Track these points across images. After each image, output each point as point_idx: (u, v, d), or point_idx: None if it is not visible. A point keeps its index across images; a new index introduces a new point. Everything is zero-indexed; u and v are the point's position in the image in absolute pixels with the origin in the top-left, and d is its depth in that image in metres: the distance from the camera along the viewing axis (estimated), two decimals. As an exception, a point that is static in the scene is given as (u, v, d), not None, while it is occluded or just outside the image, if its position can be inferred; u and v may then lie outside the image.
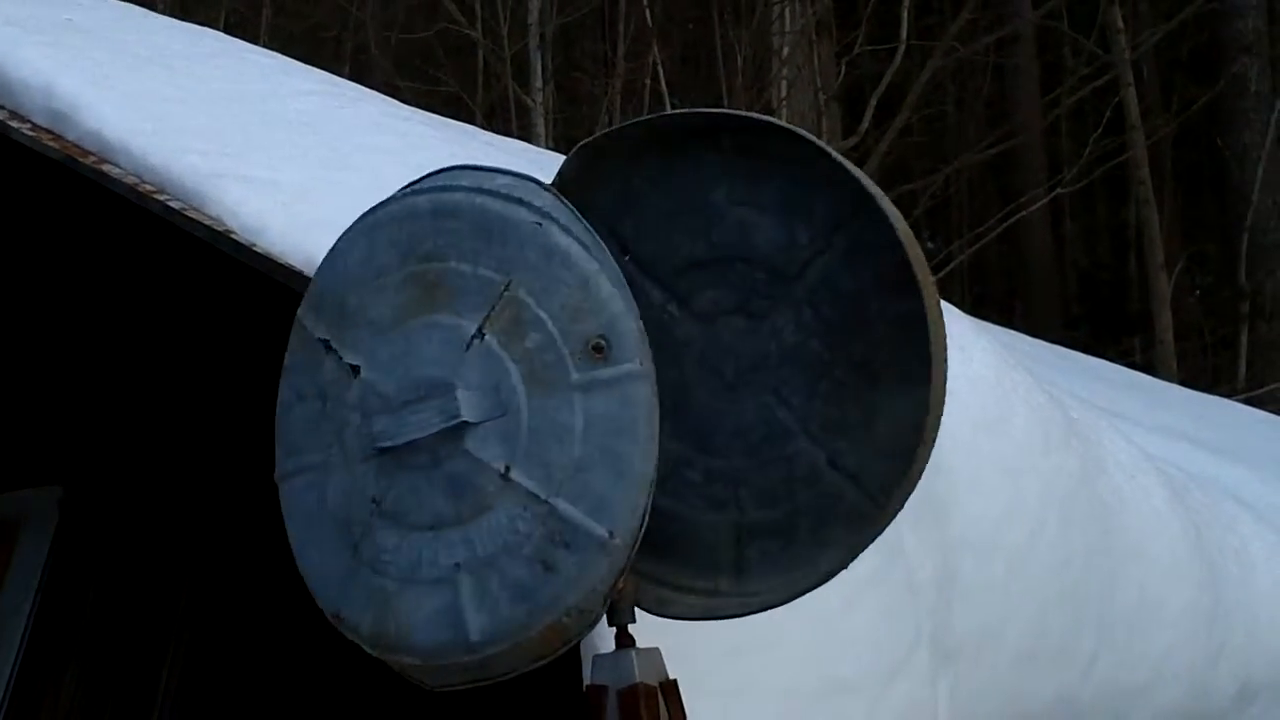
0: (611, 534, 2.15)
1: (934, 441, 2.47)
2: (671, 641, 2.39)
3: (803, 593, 2.48)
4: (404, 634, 2.13)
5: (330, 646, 3.51)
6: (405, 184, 2.28)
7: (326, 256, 2.25)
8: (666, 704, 2.31)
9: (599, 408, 2.20)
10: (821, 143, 2.53)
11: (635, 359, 2.21)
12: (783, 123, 2.54)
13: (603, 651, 2.36)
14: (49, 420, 4.29)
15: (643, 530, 2.19)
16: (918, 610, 3.17)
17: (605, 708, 2.27)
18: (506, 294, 2.20)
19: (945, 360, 2.46)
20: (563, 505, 2.15)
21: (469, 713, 3.04)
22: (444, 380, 2.15)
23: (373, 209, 2.25)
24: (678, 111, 2.44)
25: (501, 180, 2.26)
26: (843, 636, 2.96)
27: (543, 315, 2.21)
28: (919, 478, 2.47)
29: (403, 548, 2.13)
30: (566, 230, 2.23)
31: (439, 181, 2.27)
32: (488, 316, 2.18)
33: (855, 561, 2.46)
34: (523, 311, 2.20)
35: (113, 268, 4.04)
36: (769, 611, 2.66)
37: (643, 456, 2.20)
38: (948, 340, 2.47)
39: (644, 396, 2.21)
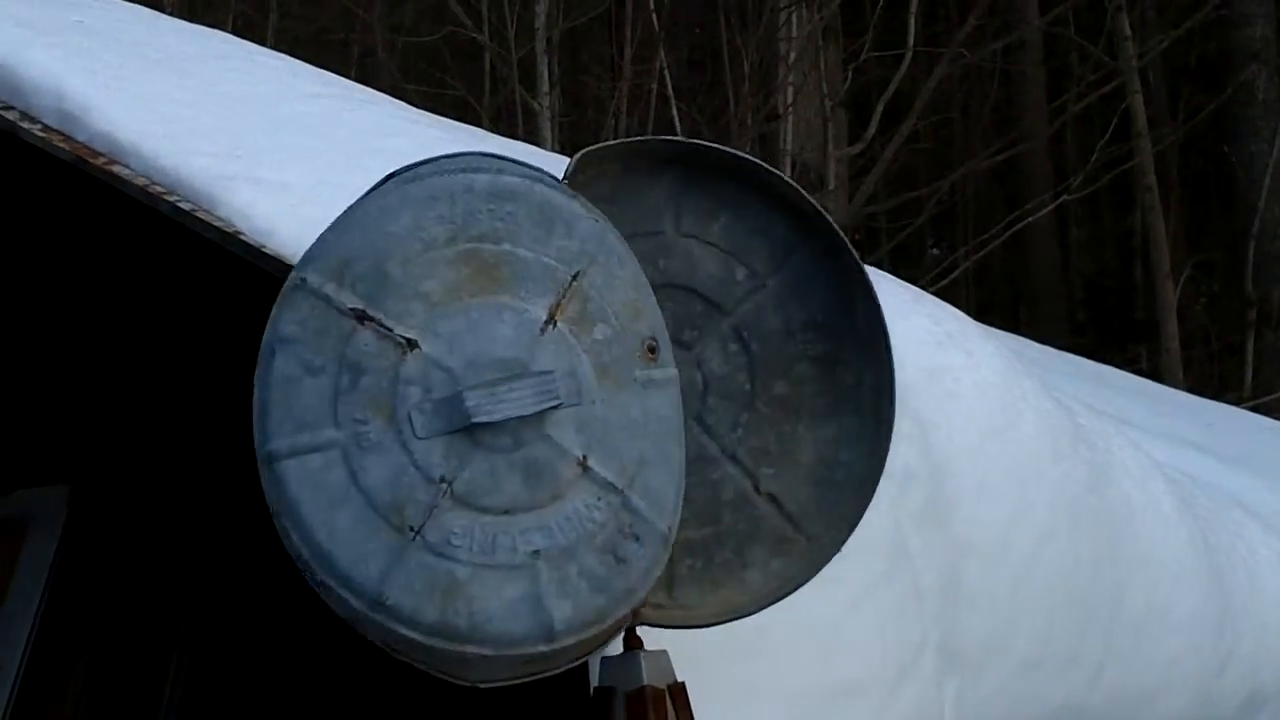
0: (669, 529, 2.18)
1: (874, 482, 2.54)
2: (679, 644, 2.40)
3: (749, 612, 2.49)
4: (477, 622, 2.02)
5: (338, 648, 3.51)
6: (418, 161, 2.22)
7: (344, 222, 2.15)
8: (674, 707, 2.31)
9: (654, 407, 2.23)
10: (791, 181, 2.60)
11: (673, 364, 2.24)
12: (745, 155, 2.60)
13: (610, 654, 2.36)
14: (57, 419, 4.30)
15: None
16: (924, 615, 3.17)
17: (613, 710, 2.27)
18: (574, 284, 2.19)
19: (894, 404, 2.56)
20: (635, 498, 2.15)
21: (476, 717, 3.04)
22: (520, 361, 2.11)
23: (407, 180, 2.18)
24: (649, 138, 2.47)
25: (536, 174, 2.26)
26: (849, 640, 2.96)
27: (608, 310, 2.22)
28: (857, 513, 2.52)
29: (475, 531, 2.04)
30: (614, 231, 2.25)
31: (470, 164, 2.22)
32: (557, 304, 2.17)
33: (796, 588, 2.49)
34: (589, 304, 2.20)
35: (122, 268, 4.05)
36: (775, 616, 2.67)
37: (683, 458, 2.24)
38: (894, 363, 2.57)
39: (680, 400, 2.25)
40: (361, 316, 2.08)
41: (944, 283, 11.47)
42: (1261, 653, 4.66)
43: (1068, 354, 9.64)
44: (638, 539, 2.15)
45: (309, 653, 3.56)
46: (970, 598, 3.33)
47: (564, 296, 2.17)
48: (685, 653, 2.39)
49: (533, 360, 2.11)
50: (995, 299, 17.04)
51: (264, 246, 2.74)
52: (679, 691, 2.34)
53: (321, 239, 2.15)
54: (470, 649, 2.03)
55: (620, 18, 12.52)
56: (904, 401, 3.26)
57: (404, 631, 2.01)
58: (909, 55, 12.25)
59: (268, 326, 2.09)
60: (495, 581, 2.03)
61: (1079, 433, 4.04)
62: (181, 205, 2.85)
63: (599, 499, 2.13)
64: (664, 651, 2.37)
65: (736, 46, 11.78)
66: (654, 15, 11.90)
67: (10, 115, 3.13)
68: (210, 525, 3.85)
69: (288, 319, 2.08)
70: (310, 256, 2.13)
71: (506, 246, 2.16)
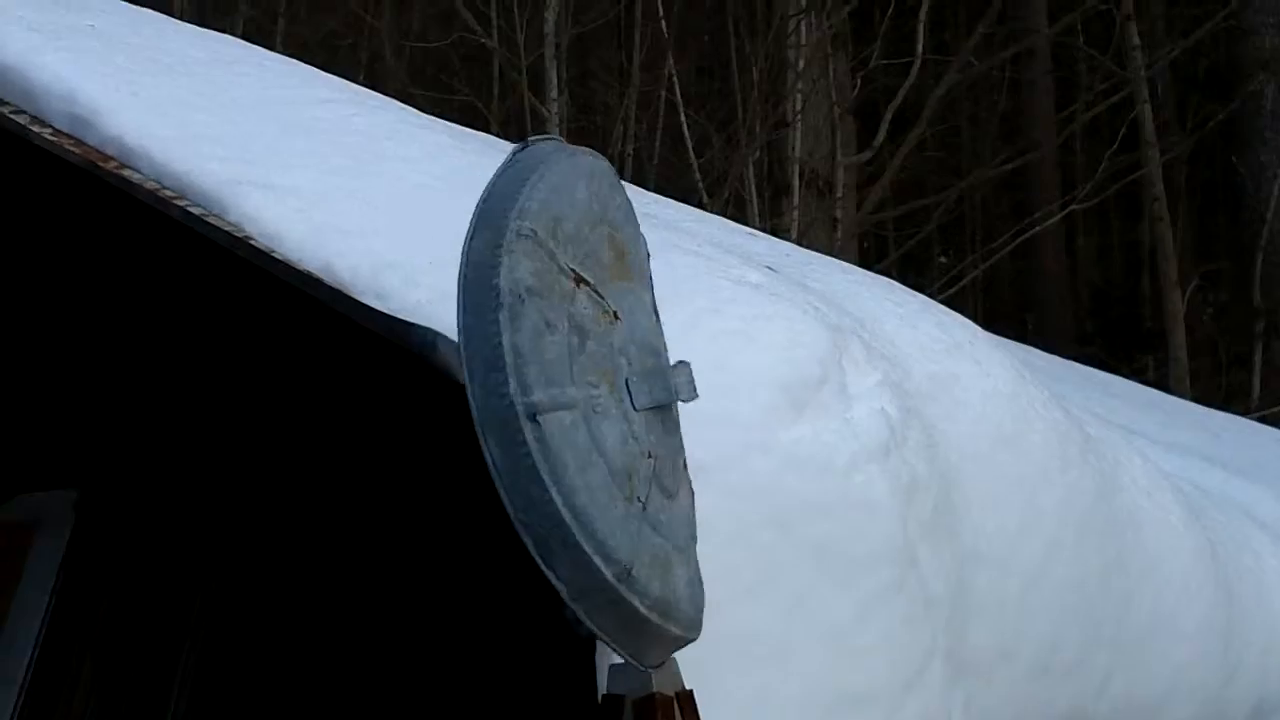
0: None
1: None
2: (687, 652, 2.39)
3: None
4: (678, 600, 1.94)
5: (343, 651, 3.51)
6: (529, 141, 2.08)
7: (535, 177, 1.95)
8: (683, 714, 2.30)
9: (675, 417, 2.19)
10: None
11: None
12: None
13: (618, 661, 2.36)
14: (64, 424, 4.30)
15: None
16: (933, 623, 3.16)
17: (622, 718, 2.26)
18: (652, 283, 2.18)
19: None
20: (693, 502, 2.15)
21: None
22: (661, 350, 2.06)
23: (567, 152, 2.04)
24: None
25: None
26: (857, 649, 2.95)
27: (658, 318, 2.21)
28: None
29: (669, 510, 1.95)
30: None
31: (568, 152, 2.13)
32: (653, 300, 2.13)
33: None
34: (657, 304, 2.19)
35: (131, 272, 4.05)
36: (784, 625, 2.67)
37: None
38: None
39: None
40: (579, 279, 1.94)
41: (952, 291, 11.47)
42: (1269, 663, 4.65)
43: (1075, 363, 9.64)
44: (694, 540, 2.15)
45: (315, 656, 3.56)
46: (978, 606, 3.32)
47: (653, 293, 2.15)
48: (694, 661, 2.38)
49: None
50: (1003, 308, 17.04)
51: (273, 251, 2.74)
52: (687, 699, 2.33)
53: (526, 192, 1.93)
54: (672, 626, 1.96)
55: (629, 24, 12.53)
56: (913, 410, 3.27)
57: (635, 604, 1.89)
58: (917, 63, 12.26)
59: (499, 273, 1.84)
60: (680, 563, 1.97)
61: (1087, 442, 4.03)
62: (191, 210, 2.86)
63: (691, 498, 2.12)
64: (672, 659, 2.36)
65: (745, 54, 11.78)
66: (663, 22, 11.91)
67: (21, 119, 3.14)
68: (217, 529, 3.85)
69: (527, 268, 1.86)
70: (525, 209, 1.91)
71: (619, 236, 2.10)
